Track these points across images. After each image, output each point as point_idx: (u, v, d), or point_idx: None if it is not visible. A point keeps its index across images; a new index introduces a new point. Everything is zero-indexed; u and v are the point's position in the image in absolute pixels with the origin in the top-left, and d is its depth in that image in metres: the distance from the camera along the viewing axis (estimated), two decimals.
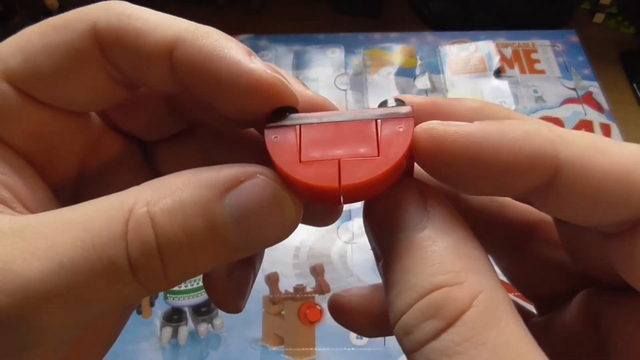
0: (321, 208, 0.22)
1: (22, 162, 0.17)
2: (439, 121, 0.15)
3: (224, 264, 0.16)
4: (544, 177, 0.14)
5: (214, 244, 0.15)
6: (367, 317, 0.21)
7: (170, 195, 0.14)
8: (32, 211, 0.16)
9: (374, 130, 0.16)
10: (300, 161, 0.16)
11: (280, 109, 0.17)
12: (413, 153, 0.16)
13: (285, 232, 0.16)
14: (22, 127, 0.17)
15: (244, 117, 0.17)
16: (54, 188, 0.18)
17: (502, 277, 0.46)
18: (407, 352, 0.14)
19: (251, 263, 0.22)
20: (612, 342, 0.17)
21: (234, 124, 0.20)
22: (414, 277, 0.14)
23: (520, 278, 0.21)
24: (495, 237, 0.21)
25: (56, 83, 0.17)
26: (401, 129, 0.16)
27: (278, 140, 0.17)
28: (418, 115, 0.17)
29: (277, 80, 0.16)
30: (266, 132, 0.17)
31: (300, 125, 0.17)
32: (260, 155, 0.17)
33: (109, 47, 0.17)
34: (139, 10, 0.17)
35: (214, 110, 0.18)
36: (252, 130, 0.21)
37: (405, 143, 0.16)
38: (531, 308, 0.22)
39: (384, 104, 0.17)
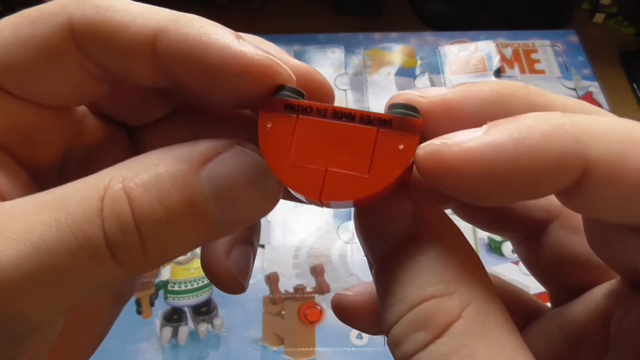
0: None
1: None
2: (442, 141, 0.14)
3: (207, 241, 0.15)
4: (571, 180, 0.13)
5: (193, 219, 0.14)
6: (372, 316, 0.21)
7: (146, 170, 0.14)
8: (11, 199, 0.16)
9: (373, 141, 0.15)
10: (288, 159, 0.15)
11: (281, 87, 0.16)
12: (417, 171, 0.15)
13: (267, 204, 0.15)
14: None
15: (234, 102, 0.17)
16: (36, 177, 0.18)
17: (506, 275, 0.46)
18: None
19: (249, 240, 0.22)
20: (620, 338, 0.16)
21: (222, 108, 0.20)
22: (403, 289, 0.14)
23: (539, 265, 0.21)
24: (515, 223, 0.20)
25: (30, 77, 0.16)
26: (401, 147, 0.15)
27: (271, 130, 0.15)
28: (427, 117, 0.15)
29: (270, 61, 0.16)
30: (261, 115, 0.16)
31: (298, 116, 0.16)
32: (251, 135, 0.16)
33: (85, 42, 0.16)
34: (117, 1, 0.16)
35: (202, 98, 0.17)
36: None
37: (401, 165, 0.15)
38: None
39: (393, 107, 0.15)
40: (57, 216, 0.13)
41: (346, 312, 0.21)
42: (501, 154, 0.13)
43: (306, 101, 0.16)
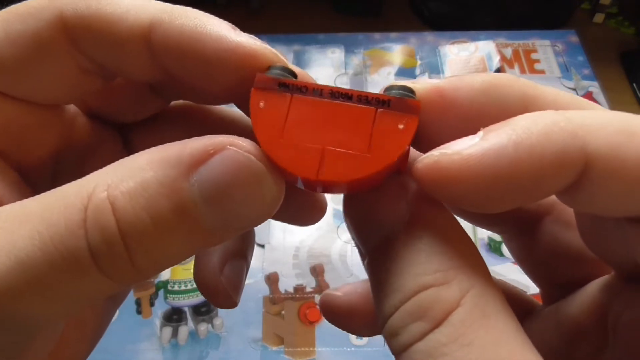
0: (303, 205, 0.21)
1: None
2: (440, 151, 0.13)
3: (202, 248, 0.15)
4: (572, 177, 0.13)
5: (185, 227, 0.13)
6: (361, 316, 0.20)
7: (132, 176, 0.13)
8: (1, 203, 0.15)
9: (371, 120, 0.15)
10: (282, 138, 0.14)
11: (272, 67, 0.15)
12: (415, 174, 0.14)
13: (266, 209, 0.14)
14: None
15: (227, 93, 0.17)
16: (28, 179, 0.17)
17: (499, 276, 0.46)
18: (394, 353, 0.14)
19: (243, 255, 0.21)
20: (618, 333, 0.16)
21: (216, 101, 0.20)
22: (399, 279, 0.14)
23: (531, 261, 0.21)
24: (507, 218, 0.20)
25: (21, 75, 0.16)
26: (401, 127, 0.14)
27: (264, 108, 0.15)
28: (421, 104, 0.15)
29: (266, 50, 0.15)
30: (254, 93, 0.15)
31: (293, 95, 0.15)
32: (245, 133, 0.15)
33: (78, 37, 0.15)
34: None
35: (196, 91, 0.17)
36: (235, 108, 0.20)
37: (402, 145, 0.14)
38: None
39: (390, 89, 0.15)
40: (40, 228, 0.13)
41: (334, 312, 0.21)
42: (502, 157, 0.13)
43: (301, 81, 0.15)
